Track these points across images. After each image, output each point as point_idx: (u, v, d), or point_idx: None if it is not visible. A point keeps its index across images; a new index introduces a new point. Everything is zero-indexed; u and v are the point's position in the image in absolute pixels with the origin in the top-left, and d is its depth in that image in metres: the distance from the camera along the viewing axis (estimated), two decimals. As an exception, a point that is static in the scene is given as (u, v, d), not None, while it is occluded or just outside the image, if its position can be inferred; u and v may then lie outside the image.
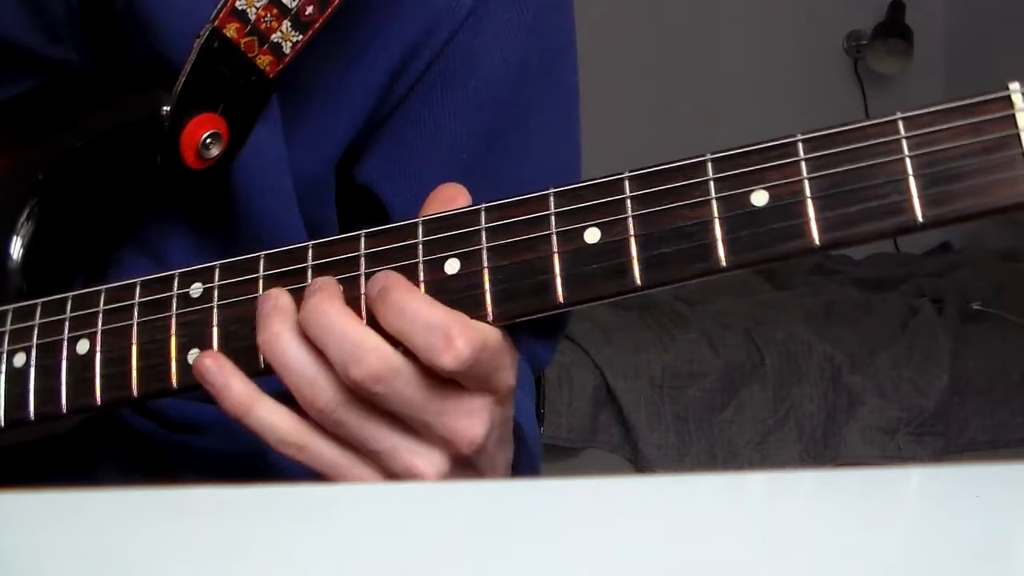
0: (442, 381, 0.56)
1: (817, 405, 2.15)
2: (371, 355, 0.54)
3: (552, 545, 0.39)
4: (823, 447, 2.14)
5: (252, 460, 0.76)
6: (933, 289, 2.47)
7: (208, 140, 0.66)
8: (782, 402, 2.15)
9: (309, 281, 0.58)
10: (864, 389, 2.15)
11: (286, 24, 0.66)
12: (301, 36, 0.66)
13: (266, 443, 0.58)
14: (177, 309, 0.61)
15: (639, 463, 2.11)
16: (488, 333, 0.55)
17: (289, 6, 0.65)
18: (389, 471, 0.57)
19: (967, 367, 2.18)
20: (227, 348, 0.59)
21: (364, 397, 0.55)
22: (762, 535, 0.39)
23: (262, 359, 0.58)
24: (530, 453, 0.68)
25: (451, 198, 0.58)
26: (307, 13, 0.66)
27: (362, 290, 0.57)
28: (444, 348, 0.54)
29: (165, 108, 0.66)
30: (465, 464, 0.58)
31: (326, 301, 0.56)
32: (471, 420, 0.56)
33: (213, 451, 0.76)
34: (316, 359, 0.56)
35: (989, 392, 2.17)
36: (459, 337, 0.54)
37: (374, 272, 0.57)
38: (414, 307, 0.55)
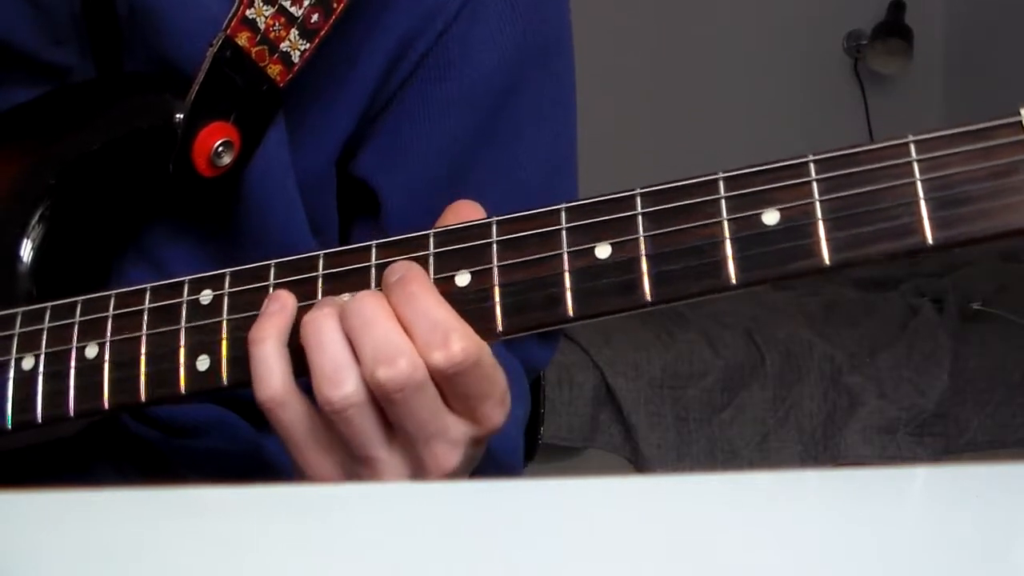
0: (447, 406, 0.56)
1: (817, 405, 2.15)
2: (403, 360, 0.54)
3: (552, 545, 0.39)
4: (823, 447, 2.15)
5: (252, 460, 0.76)
6: (933, 289, 2.46)
7: (220, 148, 0.67)
8: (782, 402, 2.15)
9: (319, 290, 0.58)
10: (864, 389, 2.15)
11: (294, 33, 0.66)
12: (308, 44, 0.66)
13: (254, 385, 0.57)
14: (186, 315, 0.61)
15: (639, 463, 2.11)
16: (484, 352, 0.55)
17: (296, 14, 0.66)
18: (351, 472, 0.58)
19: (967, 367, 2.18)
20: (235, 355, 0.59)
21: (378, 402, 0.55)
22: (762, 535, 0.39)
23: None
24: (497, 466, 0.68)
25: (467, 217, 0.59)
26: (312, 21, 0.66)
27: None
28: (440, 345, 0.54)
29: (178, 116, 0.66)
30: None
31: (373, 298, 0.56)
32: (451, 452, 0.57)
33: (213, 452, 0.76)
34: (350, 353, 0.55)
35: (989, 392, 2.18)
36: (457, 341, 0.54)
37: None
38: (425, 300, 0.55)
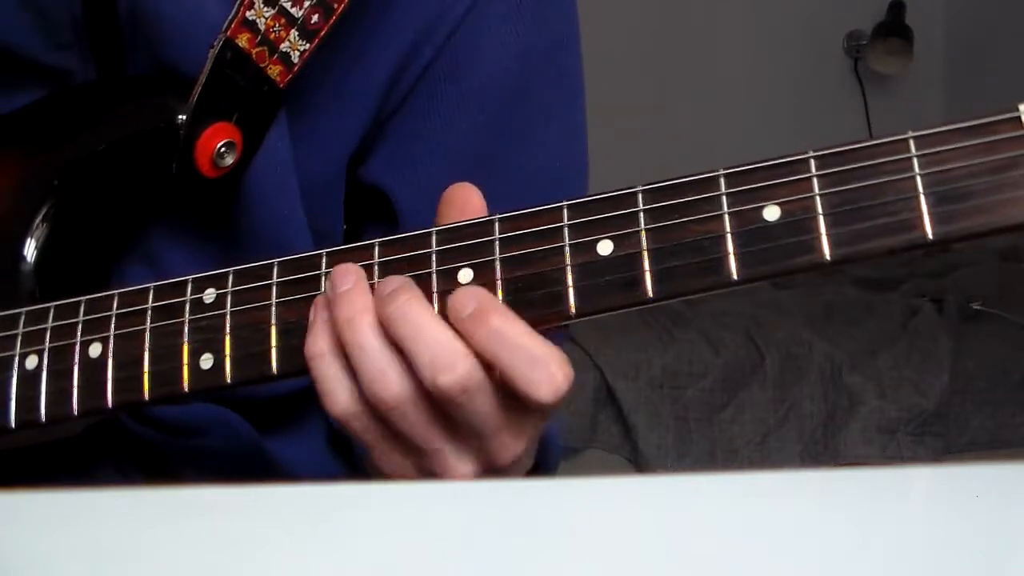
0: (511, 401, 0.55)
1: (817, 405, 2.15)
2: (461, 364, 0.53)
3: (552, 545, 0.39)
4: (823, 447, 2.15)
5: (253, 459, 0.77)
6: (933, 289, 2.47)
7: (223, 149, 0.67)
8: (782, 402, 2.15)
9: (323, 288, 0.58)
10: (864, 389, 2.15)
11: (294, 33, 0.66)
12: (308, 45, 0.67)
13: (323, 401, 0.57)
14: (190, 314, 0.61)
15: (639, 463, 2.11)
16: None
17: (296, 15, 0.66)
18: (426, 468, 0.57)
19: (967, 367, 2.18)
20: (239, 353, 0.59)
21: (437, 402, 0.55)
22: (762, 535, 0.39)
23: (275, 363, 0.58)
24: (548, 463, 0.68)
25: (464, 199, 0.59)
26: (313, 22, 0.66)
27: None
28: (546, 381, 0.53)
29: (181, 117, 0.66)
30: (495, 471, 0.58)
31: (416, 302, 0.55)
32: (517, 440, 0.57)
33: (213, 451, 0.76)
34: (392, 352, 0.55)
35: (989, 392, 2.18)
36: (559, 372, 0.53)
37: (388, 279, 0.56)
38: (517, 336, 0.54)
